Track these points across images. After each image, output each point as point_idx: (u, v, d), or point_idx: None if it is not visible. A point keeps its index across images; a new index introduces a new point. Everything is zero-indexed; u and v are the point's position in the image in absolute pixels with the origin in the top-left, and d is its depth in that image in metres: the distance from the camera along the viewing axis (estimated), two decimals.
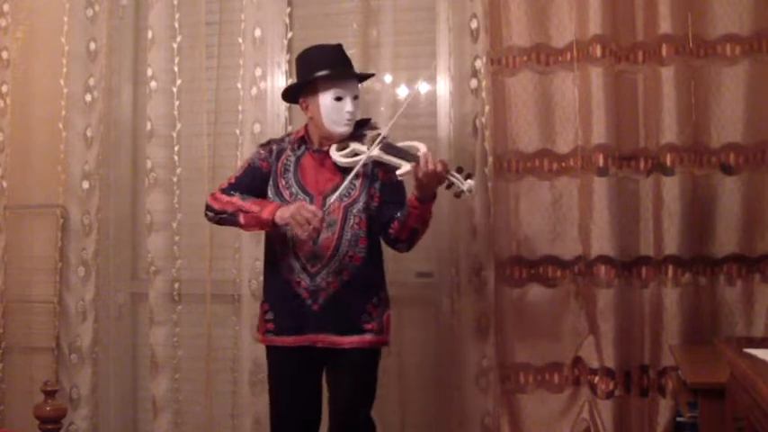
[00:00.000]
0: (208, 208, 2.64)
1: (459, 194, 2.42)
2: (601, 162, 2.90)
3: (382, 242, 2.63)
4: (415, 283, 3.23)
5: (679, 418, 2.54)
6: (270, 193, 2.62)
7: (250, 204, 2.55)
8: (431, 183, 2.40)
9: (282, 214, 2.47)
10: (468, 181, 2.38)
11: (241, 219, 2.56)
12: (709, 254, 2.88)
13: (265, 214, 2.50)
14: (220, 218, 2.62)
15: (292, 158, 2.63)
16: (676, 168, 2.85)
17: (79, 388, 3.47)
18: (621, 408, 2.93)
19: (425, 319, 3.24)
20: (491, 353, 3.02)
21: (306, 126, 2.66)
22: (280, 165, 2.63)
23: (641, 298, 2.94)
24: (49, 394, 2.38)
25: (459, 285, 3.07)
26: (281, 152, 2.65)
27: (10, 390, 3.55)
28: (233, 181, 2.66)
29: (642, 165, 2.95)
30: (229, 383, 3.35)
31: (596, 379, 2.94)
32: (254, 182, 2.63)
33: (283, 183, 2.59)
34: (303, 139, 2.64)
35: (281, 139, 2.72)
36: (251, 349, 3.24)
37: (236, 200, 2.58)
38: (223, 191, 2.64)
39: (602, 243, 2.91)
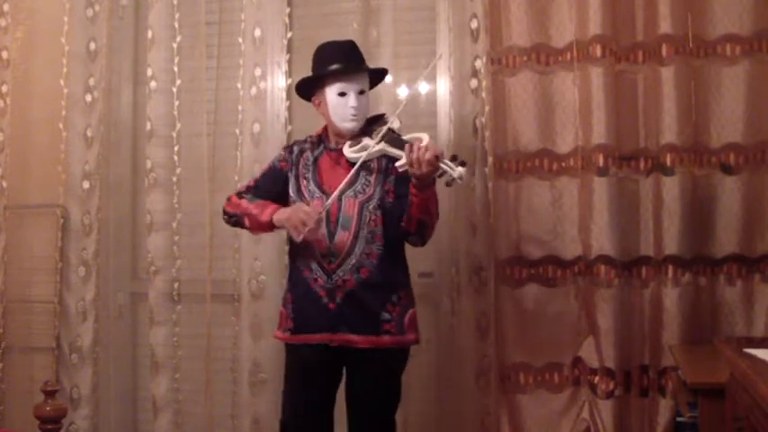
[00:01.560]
0: (224, 212, 2.73)
1: (450, 183, 2.36)
2: (601, 162, 2.90)
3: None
4: (416, 283, 3.21)
5: (679, 418, 2.54)
6: (292, 192, 2.62)
7: (252, 207, 2.61)
8: (421, 170, 2.34)
9: (280, 217, 2.52)
10: (459, 168, 2.31)
11: (246, 222, 2.63)
12: (710, 254, 2.88)
13: (264, 217, 2.56)
14: (232, 221, 2.70)
15: (311, 158, 2.64)
16: (676, 168, 2.85)
17: (79, 388, 3.47)
18: (621, 408, 2.93)
19: (425, 319, 3.22)
20: (491, 353, 3.02)
21: (326, 125, 2.67)
22: (301, 165, 2.64)
23: (641, 298, 2.94)
24: (49, 394, 2.38)
25: (459, 285, 3.07)
26: (301, 152, 2.66)
27: (10, 390, 3.55)
28: (251, 184, 2.72)
29: (642, 165, 2.95)
30: (229, 383, 3.35)
31: (596, 379, 2.94)
32: (275, 185, 2.66)
33: (304, 183, 2.61)
34: (321, 138, 2.66)
35: (304, 140, 2.72)
36: (251, 349, 3.24)
37: (244, 203, 2.64)
38: (238, 194, 2.70)
39: (602, 243, 2.91)
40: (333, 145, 2.62)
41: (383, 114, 2.70)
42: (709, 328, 2.85)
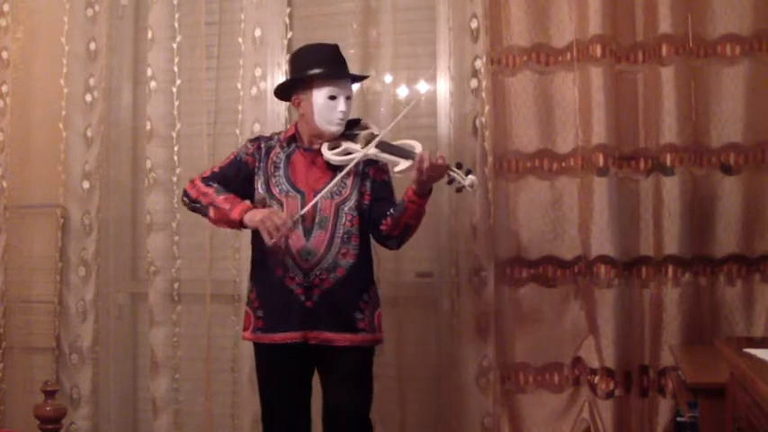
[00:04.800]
0: (184, 193, 2.67)
1: (460, 189, 2.46)
2: (601, 162, 2.90)
3: (372, 240, 2.64)
4: (415, 283, 3.23)
5: (679, 418, 2.54)
6: (261, 189, 2.62)
7: (222, 200, 2.56)
8: (432, 178, 2.42)
9: (252, 217, 2.49)
10: (470, 176, 2.41)
11: (211, 213, 2.59)
12: (709, 254, 2.87)
13: (234, 214, 2.52)
14: (194, 206, 2.64)
15: (282, 156, 2.64)
16: (676, 168, 2.85)
17: (79, 388, 3.47)
18: (621, 408, 2.92)
19: (425, 319, 3.23)
20: (491, 353, 3.02)
21: (296, 124, 2.68)
22: (270, 162, 2.64)
23: (641, 298, 2.94)
24: (50, 394, 2.38)
25: (459, 285, 3.07)
26: (269, 149, 2.66)
27: (10, 390, 3.55)
28: (216, 170, 2.68)
29: (642, 165, 2.95)
30: (229, 383, 3.35)
31: (596, 379, 2.93)
32: (237, 176, 2.65)
33: (273, 181, 2.61)
34: (293, 138, 2.66)
35: (270, 137, 2.73)
36: (251, 349, 3.21)
37: (211, 192, 2.59)
38: (203, 179, 2.65)
39: (602, 243, 2.90)
40: (307, 145, 2.63)
41: (359, 119, 2.73)
42: (709, 328, 2.85)
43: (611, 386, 2.90)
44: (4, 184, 3.56)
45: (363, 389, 2.59)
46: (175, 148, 3.41)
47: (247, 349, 3.25)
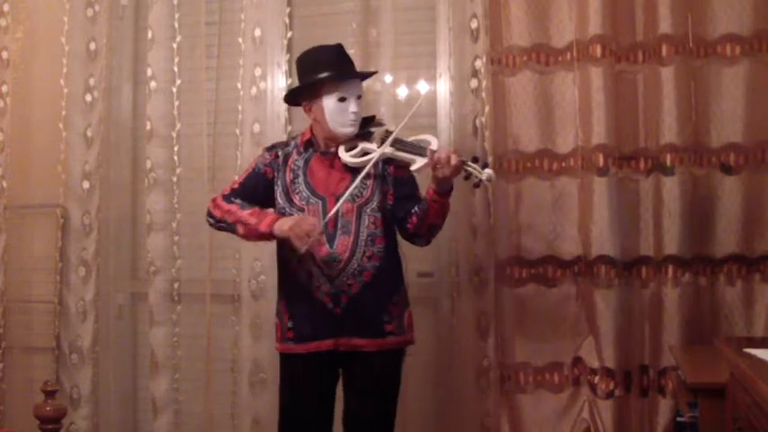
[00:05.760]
0: (209, 214, 2.66)
1: (477, 184, 2.44)
2: (601, 162, 2.90)
3: (399, 238, 2.62)
4: (415, 283, 3.21)
5: (679, 418, 2.54)
6: (280, 199, 2.58)
7: (247, 215, 2.54)
8: (448, 175, 2.39)
9: (281, 226, 2.45)
10: (487, 170, 2.38)
11: (240, 229, 2.56)
12: (710, 254, 2.88)
13: (263, 227, 2.49)
14: (220, 225, 2.63)
15: (300, 162, 2.60)
16: (676, 168, 2.85)
17: (79, 388, 3.47)
18: (621, 408, 2.92)
19: (425, 319, 3.23)
20: (491, 353, 3.02)
21: (311, 128, 2.64)
22: (288, 170, 2.60)
23: (641, 298, 2.94)
24: (49, 394, 2.38)
25: (459, 285, 3.07)
26: (287, 157, 2.62)
27: (10, 390, 3.55)
28: (235, 186, 2.65)
29: (642, 165, 2.95)
30: (229, 383, 3.35)
31: (596, 379, 2.94)
32: (256, 188, 2.62)
33: (293, 189, 2.57)
34: (310, 142, 2.62)
35: (287, 143, 2.69)
36: (251, 349, 3.24)
37: (236, 209, 2.57)
38: (224, 197, 2.63)
39: (602, 243, 2.91)
40: (324, 149, 2.60)
41: (374, 116, 2.70)
42: (709, 328, 2.85)
43: (611, 386, 2.90)
44: (4, 184, 3.56)
45: (389, 394, 2.57)
46: (175, 148, 3.41)
47: (247, 350, 3.26)
